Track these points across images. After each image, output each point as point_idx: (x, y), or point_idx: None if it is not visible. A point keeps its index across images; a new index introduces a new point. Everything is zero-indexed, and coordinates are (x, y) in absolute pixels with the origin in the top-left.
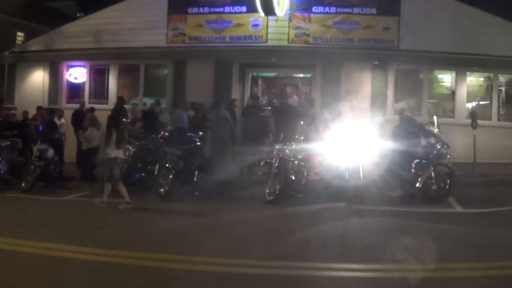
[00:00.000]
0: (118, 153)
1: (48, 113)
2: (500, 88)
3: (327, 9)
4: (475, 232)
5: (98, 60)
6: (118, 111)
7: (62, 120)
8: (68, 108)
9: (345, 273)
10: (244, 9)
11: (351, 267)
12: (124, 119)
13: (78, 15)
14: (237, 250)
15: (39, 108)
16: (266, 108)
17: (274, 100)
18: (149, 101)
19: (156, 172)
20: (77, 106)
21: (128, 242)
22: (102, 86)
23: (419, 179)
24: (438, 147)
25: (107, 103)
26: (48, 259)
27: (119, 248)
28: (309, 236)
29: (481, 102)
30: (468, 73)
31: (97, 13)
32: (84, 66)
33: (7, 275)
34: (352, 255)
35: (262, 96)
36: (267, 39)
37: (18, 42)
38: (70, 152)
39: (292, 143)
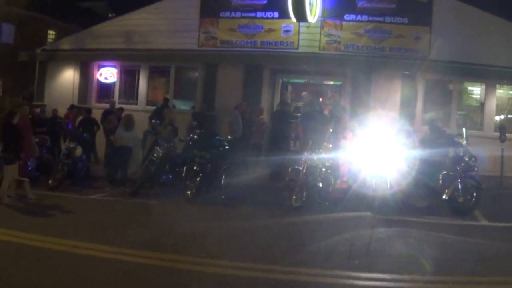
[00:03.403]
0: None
1: (86, 112)
2: None
3: (359, 17)
4: (500, 246)
5: (129, 61)
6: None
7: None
8: (98, 107)
9: (369, 283)
10: (276, 14)
11: (376, 277)
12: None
13: (110, 15)
14: (262, 255)
15: (71, 107)
16: (296, 114)
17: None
18: (177, 104)
19: (183, 175)
20: (106, 106)
21: (154, 243)
22: (132, 87)
23: (446, 190)
24: (466, 159)
25: (136, 104)
26: (75, 257)
27: (145, 249)
28: (334, 244)
29: (510, 116)
30: (498, 85)
31: (129, 15)
32: (114, 66)
33: (34, 272)
34: (377, 264)
35: (292, 103)
36: (298, 46)
37: (49, 40)
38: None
39: (320, 150)
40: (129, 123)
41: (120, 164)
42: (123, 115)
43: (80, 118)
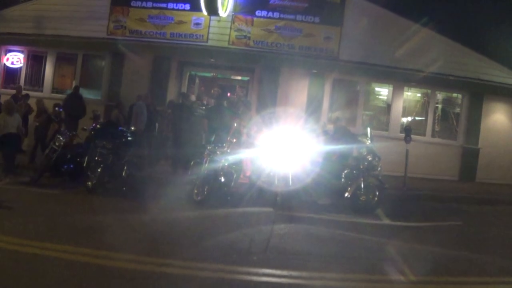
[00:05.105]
0: None
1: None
2: (436, 105)
3: (270, 14)
4: (401, 245)
5: (36, 46)
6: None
7: None
8: (4, 93)
9: (266, 279)
10: (187, 7)
11: (273, 273)
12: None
13: None
14: (160, 250)
15: None
16: (200, 107)
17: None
18: (84, 92)
19: (84, 165)
20: (12, 91)
21: (50, 233)
22: (39, 73)
23: (349, 189)
24: (370, 158)
25: (41, 91)
26: None
27: (41, 240)
28: (234, 239)
29: (417, 118)
30: (405, 88)
31: None
32: (22, 52)
33: None
34: (276, 261)
35: (199, 96)
36: (207, 39)
37: None
38: None
39: (224, 145)
40: (11, 108)
41: (9, 151)
42: (3, 101)
43: None
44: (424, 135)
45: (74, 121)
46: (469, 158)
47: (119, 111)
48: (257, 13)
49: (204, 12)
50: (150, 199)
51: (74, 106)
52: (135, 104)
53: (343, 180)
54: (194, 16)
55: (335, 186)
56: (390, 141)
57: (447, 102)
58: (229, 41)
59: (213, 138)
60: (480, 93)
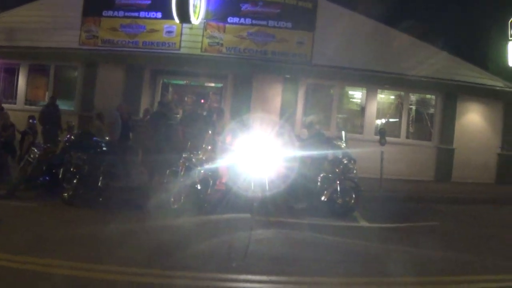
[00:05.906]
0: None
1: None
2: (410, 106)
3: (242, 20)
4: (378, 247)
5: (9, 58)
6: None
7: None
8: None
9: (246, 285)
10: (159, 15)
11: (253, 279)
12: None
13: None
14: (138, 259)
15: None
16: (176, 116)
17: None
18: (58, 103)
19: (60, 176)
20: None
21: (29, 247)
22: (12, 85)
23: (325, 192)
24: (345, 161)
25: (15, 103)
26: None
27: (19, 253)
28: (212, 246)
29: (391, 120)
30: (379, 90)
31: (13, 11)
32: None
33: None
34: (255, 266)
35: (172, 104)
36: (180, 47)
37: None
38: None
39: (199, 152)
40: None
41: None
42: None
43: None
44: (398, 136)
45: (52, 132)
46: (444, 159)
47: (101, 122)
48: (229, 19)
49: (176, 20)
50: (127, 208)
51: (51, 117)
52: (109, 113)
53: (319, 184)
54: (166, 24)
55: (311, 190)
56: (365, 143)
57: (421, 103)
58: (201, 48)
59: (188, 146)
60: (454, 94)
